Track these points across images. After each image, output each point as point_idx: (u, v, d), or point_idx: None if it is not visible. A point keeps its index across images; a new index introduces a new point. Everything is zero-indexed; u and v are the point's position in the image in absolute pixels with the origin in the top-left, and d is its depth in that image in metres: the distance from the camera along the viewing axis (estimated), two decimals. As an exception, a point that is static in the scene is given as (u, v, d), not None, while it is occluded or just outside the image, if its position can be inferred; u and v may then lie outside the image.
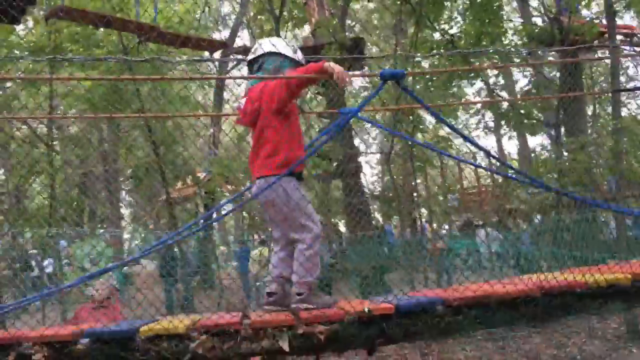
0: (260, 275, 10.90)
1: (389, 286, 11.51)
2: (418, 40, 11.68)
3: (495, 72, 17.47)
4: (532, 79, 14.50)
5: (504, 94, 19.65)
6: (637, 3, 11.33)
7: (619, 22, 13.91)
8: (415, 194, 13.52)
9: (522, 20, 19.09)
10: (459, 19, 14.09)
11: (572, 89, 12.47)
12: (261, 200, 2.81)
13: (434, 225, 15.02)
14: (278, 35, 11.63)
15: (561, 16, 12.85)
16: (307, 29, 15.38)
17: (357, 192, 11.56)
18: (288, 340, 2.23)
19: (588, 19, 13.54)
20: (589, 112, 17.81)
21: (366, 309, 2.34)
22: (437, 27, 12.80)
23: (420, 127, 11.90)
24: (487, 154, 3.56)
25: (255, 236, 14.60)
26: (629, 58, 16.62)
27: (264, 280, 2.73)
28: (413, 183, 13.47)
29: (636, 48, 14.22)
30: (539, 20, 17.28)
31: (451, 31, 13.18)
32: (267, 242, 11.63)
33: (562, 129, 12.45)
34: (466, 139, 3.41)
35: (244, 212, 16.95)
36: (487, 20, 12.43)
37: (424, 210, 14.82)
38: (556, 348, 9.44)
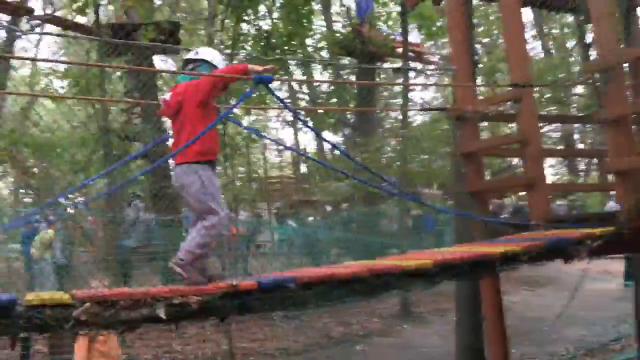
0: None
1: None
2: (235, 33, 11.96)
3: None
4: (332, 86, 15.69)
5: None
6: (428, 28, 12.98)
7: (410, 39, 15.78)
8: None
9: (324, 23, 20.52)
10: (276, 15, 14.67)
11: (368, 94, 13.86)
12: (178, 185, 3.02)
13: (244, 211, 15.52)
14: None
15: (362, 28, 14.19)
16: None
17: (165, 176, 11.50)
18: (164, 309, 2.50)
19: (385, 33, 15.06)
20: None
21: (234, 283, 2.70)
22: (252, 22, 13.20)
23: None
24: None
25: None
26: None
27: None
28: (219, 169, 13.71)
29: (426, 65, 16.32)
30: (341, 26, 18.71)
31: (266, 27, 13.65)
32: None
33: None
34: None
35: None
36: (298, 21, 13.17)
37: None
38: (343, 325, 10.56)
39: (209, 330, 9.99)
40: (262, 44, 13.09)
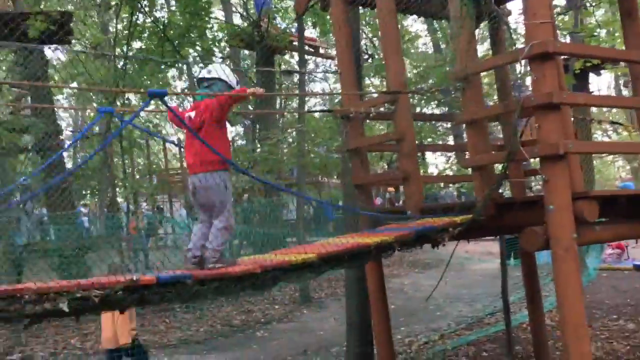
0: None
1: (89, 266, 11.56)
2: (131, 23, 11.82)
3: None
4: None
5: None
6: (324, 24, 13.45)
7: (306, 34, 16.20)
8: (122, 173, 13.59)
9: (223, 14, 20.51)
10: (173, 5, 14.55)
11: (268, 85, 14.10)
12: (203, 187, 3.59)
13: (145, 205, 15.34)
14: None
15: (261, 21, 14.41)
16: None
17: (60, 170, 11.24)
18: (67, 303, 2.73)
19: (282, 27, 15.37)
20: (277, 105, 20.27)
21: (135, 278, 2.96)
22: (149, 13, 13.07)
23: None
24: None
25: None
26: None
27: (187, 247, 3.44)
28: (117, 161, 13.53)
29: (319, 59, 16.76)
30: (240, 18, 18.82)
31: (163, 19, 13.54)
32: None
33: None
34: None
35: None
36: (196, 13, 13.18)
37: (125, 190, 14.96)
38: (245, 314, 10.89)
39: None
40: (159, 36, 13.01)
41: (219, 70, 3.76)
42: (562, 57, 5.92)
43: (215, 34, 15.76)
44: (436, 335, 8.61)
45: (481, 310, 10.25)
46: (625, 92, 19.32)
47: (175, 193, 16.93)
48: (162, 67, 13.50)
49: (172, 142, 11.31)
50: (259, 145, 13.18)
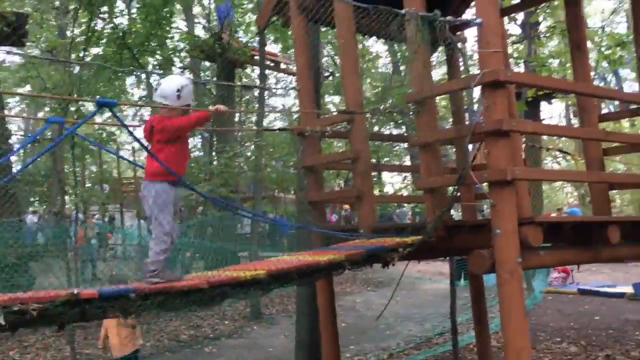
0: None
1: (34, 274, 11.19)
2: (89, 28, 11.60)
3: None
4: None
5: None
6: (285, 40, 13.50)
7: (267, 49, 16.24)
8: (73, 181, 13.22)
9: (186, 24, 20.39)
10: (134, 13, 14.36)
11: (227, 98, 14.04)
12: (142, 197, 3.61)
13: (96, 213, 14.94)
14: None
15: (223, 34, 14.39)
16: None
17: (5, 175, 10.87)
18: (3, 316, 2.62)
19: (244, 41, 15.38)
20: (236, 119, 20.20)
21: (75, 292, 2.87)
22: (107, 20, 12.86)
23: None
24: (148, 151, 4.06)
25: None
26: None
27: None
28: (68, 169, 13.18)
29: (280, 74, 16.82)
30: (202, 29, 18.74)
31: (122, 26, 13.35)
32: None
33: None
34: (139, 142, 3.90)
35: None
36: (157, 23, 13.05)
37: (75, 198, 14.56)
38: (193, 329, 10.71)
39: (52, 337, 9.67)
40: (118, 43, 12.81)
41: (157, 95, 3.64)
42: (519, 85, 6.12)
43: (176, 44, 15.65)
44: (385, 354, 8.65)
45: (430, 330, 10.35)
46: (575, 122, 20.04)
47: (128, 203, 16.60)
48: (120, 74, 13.29)
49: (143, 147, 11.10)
50: (215, 158, 13.08)
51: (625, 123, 21.54)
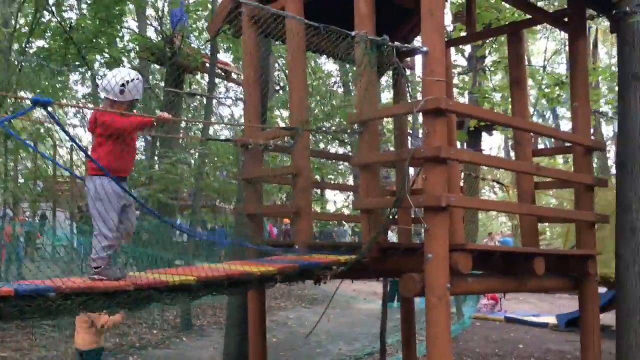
0: None
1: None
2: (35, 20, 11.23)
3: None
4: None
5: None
6: (237, 50, 13.44)
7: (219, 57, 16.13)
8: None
9: (137, 24, 20.01)
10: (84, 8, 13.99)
11: (173, 102, 13.82)
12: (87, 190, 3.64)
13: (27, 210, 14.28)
14: None
15: (174, 38, 14.20)
16: None
17: None
18: None
19: (196, 47, 15.23)
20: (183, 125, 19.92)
21: (-12, 291, 2.74)
22: (55, 12, 12.48)
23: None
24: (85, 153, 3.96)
25: None
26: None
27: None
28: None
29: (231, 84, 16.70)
30: (153, 31, 18.43)
31: (70, 20, 12.98)
32: None
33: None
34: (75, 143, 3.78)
35: None
36: (107, 21, 12.76)
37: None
38: (119, 337, 10.36)
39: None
40: (65, 37, 12.44)
41: (102, 89, 3.67)
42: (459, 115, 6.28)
43: (126, 43, 15.33)
44: (313, 372, 8.62)
45: (360, 350, 10.38)
46: (513, 154, 20.79)
47: (61, 202, 16.01)
48: (64, 69, 12.90)
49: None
50: (157, 162, 12.82)
51: (559, 159, 22.52)
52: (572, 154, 5.72)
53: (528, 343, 10.86)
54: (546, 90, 12.87)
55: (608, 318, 8.55)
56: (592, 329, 5.38)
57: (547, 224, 16.66)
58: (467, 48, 14.80)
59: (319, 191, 21.37)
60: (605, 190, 8.39)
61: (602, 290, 9.58)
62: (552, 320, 12.79)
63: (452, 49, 10.22)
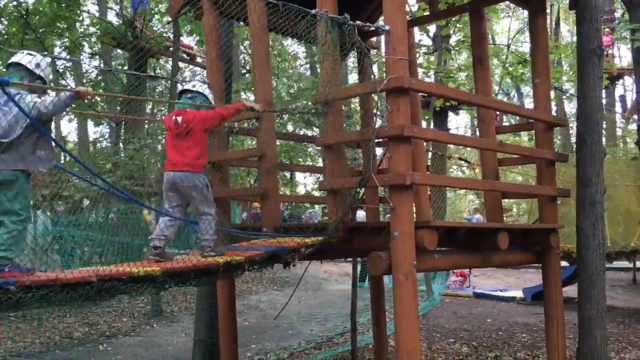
0: None
1: None
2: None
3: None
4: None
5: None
6: (201, 34, 13.20)
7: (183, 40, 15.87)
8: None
9: (97, 7, 19.53)
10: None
11: (138, 87, 13.55)
12: (188, 184, 4.22)
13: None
14: None
15: (136, 21, 13.89)
16: None
17: None
18: None
19: (159, 31, 14.93)
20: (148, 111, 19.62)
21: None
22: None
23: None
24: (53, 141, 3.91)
25: None
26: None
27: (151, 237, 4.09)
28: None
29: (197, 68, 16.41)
30: (114, 17, 18.03)
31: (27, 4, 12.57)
32: None
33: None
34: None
35: None
36: (63, 5, 12.39)
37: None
38: (88, 326, 10.25)
39: None
40: (21, 22, 12.05)
41: (202, 88, 4.44)
42: (422, 93, 6.31)
43: (86, 28, 14.94)
44: (286, 354, 8.66)
45: (332, 330, 10.49)
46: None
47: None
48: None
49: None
50: (122, 149, 12.58)
51: (525, 137, 22.90)
52: (534, 130, 5.81)
53: (496, 317, 11.10)
54: (510, 68, 13.02)
55: (572, 290, 8.80)
56: (555, 301, 5.50)
57: (513, 200, 16.97)
58: (432, 28, 14.87)
59: (288, 174, 21.33)
60: (569, 166, 8.59)
61: (565, 264, 9.85)
62: (519, 294, 13.09)
63: (416, 29, 10.24)
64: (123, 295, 3.88)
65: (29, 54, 3.51)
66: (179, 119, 4.23)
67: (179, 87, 4.54)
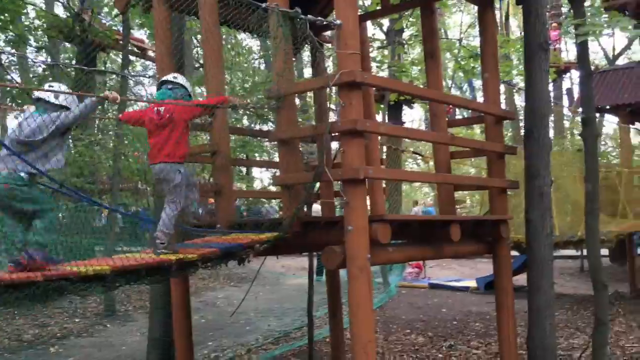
0: None
1: None
2: None
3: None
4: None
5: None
6: (150, 26, 12.95)
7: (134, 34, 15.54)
8: None
9: (44, 0, 18.91)
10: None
11: (87, 81, 13.19)
12: (161, 176, 4.23)
13: None
14: None
15: (83, 14, 13.51)
16: None
17: None
18: None
19: (107, 23, 14.58)
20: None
21: None
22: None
23: None
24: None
25: None
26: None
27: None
28: None
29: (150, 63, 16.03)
30: (61, 10, 17.48)
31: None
32: None
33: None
34: None
35: None
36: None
37: None
38: (38, 327, 9.96)
39: None
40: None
41: (182, 79, 4.43)
42: (375, 87, 6.34)
43: (32, 21, 14.45)
44: (243, 350, 8.62)
45: (289, 325, 10.49)
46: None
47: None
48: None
49: None
50: (72, 146, 12.24)
51: (477, 130, 23.34)
52: (484, 124, 5.92)
53: (451, 307, 11.33)
54: (462, 62, 13.24)
55: (523, 279, 9.04)
56: (506, 290, 5.65)
57: (467, 192, 17.29)
58: (386, 22, 14.97)
59: (244, 169, 21.18)
60: (519, 158, 8.81)
61: (516, 254, 10.10)
62: (472, 284, 13.39)
63: (369, 23, 10.29)
64: (72, 295, 3.78)
65: (50, 86, 3.87)
66: (162, 109, 4.24)
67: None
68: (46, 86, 3.93)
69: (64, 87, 3.93)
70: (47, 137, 3.65)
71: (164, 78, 4.49)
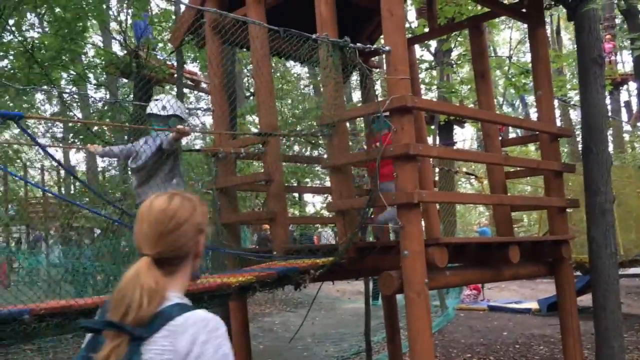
0: None
1: None
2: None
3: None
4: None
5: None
6: (204, 59, 13.36)
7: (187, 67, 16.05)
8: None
9: (102, 39, 19.81)
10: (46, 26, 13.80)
11: (143, 116, 13.65)
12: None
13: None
14: None
15: (140, 51, 14.08)
16: None
17: None
18: None
19: (162, 59, 15.11)
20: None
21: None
22: (16, 33, 12.29)
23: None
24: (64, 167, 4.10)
25: None
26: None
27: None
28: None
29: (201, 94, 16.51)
30: (119, 46, 18.25)
31: (32, 40, 12.79)
32: None
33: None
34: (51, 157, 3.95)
35: None
36: (69, 38, 12.59)
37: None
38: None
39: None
40: (27, 56, 12.24)
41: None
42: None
43: (91, 59, 15.15)
44: (302, 376, 8.61)
45: (347, 350, 10.41)
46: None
47: (34, 225, 15.75)
48: (28, 89, 12.69)
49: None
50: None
51: (532, 147, 22.84)
52: (539, 142, 5.81)
53: (512, 330, 11.00)
54: (513, 79, 13.05)
55: (588, 299, 8.71)
56: (570, 312, 5.46)
57: (523, 212, 16.85)
58: (434, 43, 14.95)
59: (297, 195, 21.36)
60: (578, 174, 8.58)
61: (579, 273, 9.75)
62: (534, 305, 12.97)
63: (417, 46, 10.31)
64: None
65: (155, 100, 4.11)
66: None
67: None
68: (152, 101, 4.14)
69: (170, 98, 4.17)
70: (148, 161, 3.88)
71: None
